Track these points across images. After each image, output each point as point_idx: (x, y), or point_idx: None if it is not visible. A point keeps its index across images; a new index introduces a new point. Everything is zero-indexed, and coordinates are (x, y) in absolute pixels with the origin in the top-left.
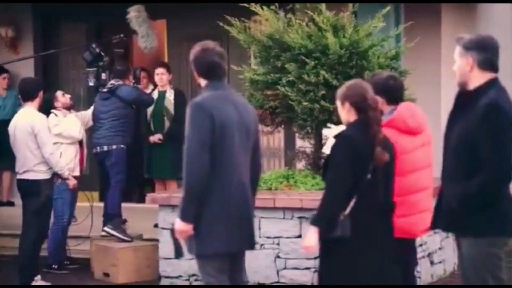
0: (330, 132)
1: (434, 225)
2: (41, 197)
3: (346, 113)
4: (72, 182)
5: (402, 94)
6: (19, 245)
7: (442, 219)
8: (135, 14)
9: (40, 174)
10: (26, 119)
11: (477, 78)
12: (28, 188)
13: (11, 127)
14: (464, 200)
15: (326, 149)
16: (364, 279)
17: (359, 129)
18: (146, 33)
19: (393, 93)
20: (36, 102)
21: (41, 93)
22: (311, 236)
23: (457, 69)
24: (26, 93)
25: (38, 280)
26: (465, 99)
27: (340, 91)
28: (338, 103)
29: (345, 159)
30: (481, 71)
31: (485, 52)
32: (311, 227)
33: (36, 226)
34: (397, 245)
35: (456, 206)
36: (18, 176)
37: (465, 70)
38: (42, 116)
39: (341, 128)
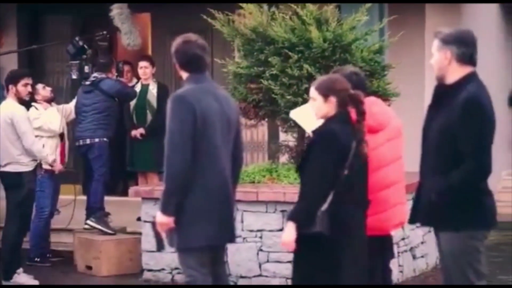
0: (296, 113)
1: (413, 220)
2: (23, 189)
3: (327, 107)
4: (58, 167)
5: (364, 90)
6: (2, 238)
7: (421, 214)
8: (117, 11)
9: (22, 166)
10: (4, 110)
11: (456, 72)
12: (10, 181)
13: None
14: (444, 193)
15: (293, 115)
16: (343, 277)
17: (340, 124)
18: (129, 30)
19: (356, 89)
20: (11, 93)
21: (10, 85)
22: (289, 231)
23: (435, 62)
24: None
25: (20, 273)
26: (444, 93)
27: (322, 85)
28: (318, 96)
29: (329, 155)
30: (459, 65)
31: (464, 46)
32: (289, 222)
33: (18, 218)
34: (370, 242)
35: (435, 199)
36: (1, 169)
37: (443, 64)
38: (20, 107)
39: (307, 108)
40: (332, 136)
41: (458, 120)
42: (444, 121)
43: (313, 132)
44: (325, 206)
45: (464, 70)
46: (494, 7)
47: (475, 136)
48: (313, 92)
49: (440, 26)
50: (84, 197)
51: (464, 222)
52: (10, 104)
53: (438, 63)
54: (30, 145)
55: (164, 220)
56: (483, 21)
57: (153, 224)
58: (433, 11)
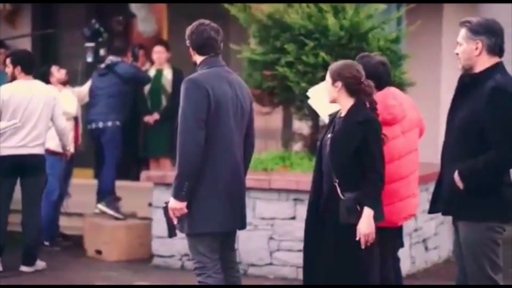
0: (313, 93)
1: (433, 209)
2: (45, 172)
3: (334, 91)
4: (70, 153)
5: (389, 80)
6: (28, 226)
7: (442, 203)
8: None
9: (43, 148)
10: (47, 91)
11: (484, 63)
12: (38, 163)
13: (25, 99)
14: (467, 175)
15: (310, 94)
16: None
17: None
18: (145, 17)
19: (381, 79)
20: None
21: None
22: (370, 221)
23: (463, 52)
24: (32, 65)
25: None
26: (469, 83)
27: (334, 68)
28: (328, 78)
29: (379, 142)
30: (489, 55)
31: (495, 37)
32: (367, 209)
33: (39, 202)
34: (381, 233)
35: (457, 179)
36: (27, 151)
37: (473, 54)
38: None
39: (323, 86)
40: (378, 124)
41: (485, 108)
42: (470, 110)
43: (359, 122)
44: None
45: (492, 61)
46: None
47: (501, 124)
48: (327, 74)
49: (458, 14)
50: (96, 181)
51: (485, 213)
52: (44, 85)
53: (467, 53)
54: (64, 126)
55: (177, 205)
56: (501, 16)
57: (165, 209)
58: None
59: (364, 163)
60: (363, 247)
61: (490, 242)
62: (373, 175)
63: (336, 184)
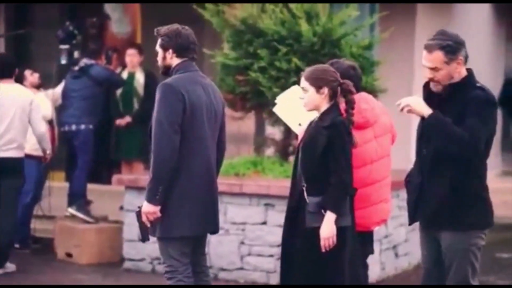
0: (282, 98)
1: (412, 220)
2: (21, 176)
3: (319, 98)
4: (49, 157)
5: (360, 84)
6: (6, 225)
7: (425, 214)
8: None
9: (22, 152)
10: (23, 94)
11: (460, 72)
12: (12, 166)
13: None
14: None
15: (278, 104)
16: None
17: (339, 115)
18: (120, 18)
19: (353, 83)
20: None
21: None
22: (331, 225)
23: (445, 76)
24: (7, 68)
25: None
26: (451, 91)
27: (314, 76)
28: (309, 87)
29: (348, 146)
30: (465, 65)
31: (465, 47)
32: (329, 213)
33: (14, 207)
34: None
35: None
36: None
37: (455, 72)
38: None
39: (294, 91)
40: (346, 129)
41: (474, 114)
42: (458, 118)
43: (324, 126)
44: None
45: (464, 69)
46: (485, 8)
47: (488, 132)
48: (303, 83)
49: (431, 21)
50: (67, 184)
51: (472, 222)
52: (22, 88)
53: (450, 73)
54: (43, 131)
55: (150, 209)
56: (474, 21)
57: (138, 213)
58: (424, 7)
59: (329, 168)
60: (323, 250)
61: (475, 249)
62: (337, 180)
63: (304, 189)
